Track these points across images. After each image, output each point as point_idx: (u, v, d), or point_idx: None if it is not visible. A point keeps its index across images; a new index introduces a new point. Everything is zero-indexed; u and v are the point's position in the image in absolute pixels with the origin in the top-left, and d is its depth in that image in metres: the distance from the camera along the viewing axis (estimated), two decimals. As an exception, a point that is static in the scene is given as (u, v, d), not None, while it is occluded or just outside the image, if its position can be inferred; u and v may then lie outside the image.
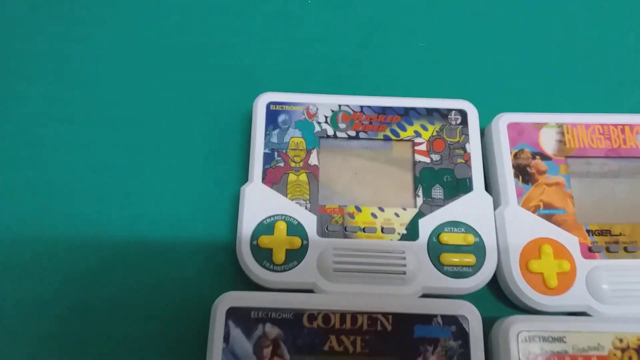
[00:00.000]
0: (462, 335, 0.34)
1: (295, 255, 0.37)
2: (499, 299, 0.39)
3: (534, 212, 0.38)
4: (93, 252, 0.40)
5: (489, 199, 0.39)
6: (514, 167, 0.39)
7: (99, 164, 0.42)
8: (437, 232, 0.38)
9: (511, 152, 0.39)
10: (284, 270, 0.37)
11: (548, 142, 0.40)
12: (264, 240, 0.37)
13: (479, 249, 0.37)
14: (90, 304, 0.38)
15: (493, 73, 0.46)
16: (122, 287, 0.39)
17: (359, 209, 0.39)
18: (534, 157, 0.39)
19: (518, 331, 0.34)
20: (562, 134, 0.40)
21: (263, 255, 0.37)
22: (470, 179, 0.39)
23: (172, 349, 0.37)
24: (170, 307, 0.38)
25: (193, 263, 0.40)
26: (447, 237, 0.38)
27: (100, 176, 0.42)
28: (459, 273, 0.37)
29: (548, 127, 0.40)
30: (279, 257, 0.37)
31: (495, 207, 0.39)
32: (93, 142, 0.43)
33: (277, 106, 0.41)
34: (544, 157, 0.40)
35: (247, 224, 0.38)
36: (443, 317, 0.35)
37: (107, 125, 0.43)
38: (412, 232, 0.38)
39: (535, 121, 0.40)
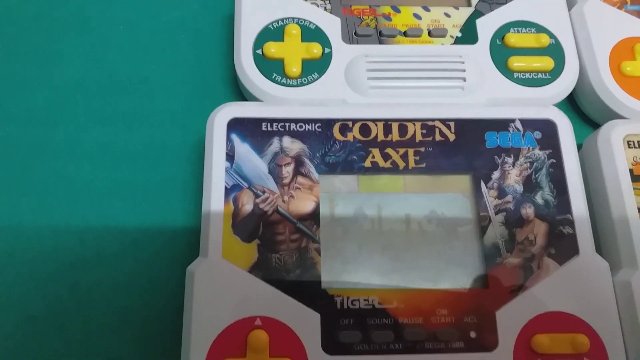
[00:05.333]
0: (551, 142, 0.25)
1: (315, 66, 0.28)
2: (580, 118, 0.30)
3: (620, 8, 0.30)
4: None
5: (560, -6, 0.30)
6: (587, -46, 0.31)
7: None
8: (501, 34, 0.29)
9: (582, -62, 0.31)
10: (301, 85, 0.28)
11: None
12: (272, 48, 0.28)
13: (556, 51, 0.29)
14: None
15: None
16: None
17: (396, 9, 0.29)
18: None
19: (624, 134, 0.25)
20: None
21: (271, 66, 0.28)
22: (535, -30, 0.31)
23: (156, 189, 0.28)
24: (152, 144, 0.29)
25: (177, 87, 0.30)
26: (515, 39, 0.29)
27: None
28: (534, 80, 0.28)
29: None
30: (294, 68, 0.28)
31: (569, 7, 0.30)
32: None
33: None
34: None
35: (248, 29, 0.28)
36: (523, 122, 0.26)
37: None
38: (468, 34, 0.29)
39: None
